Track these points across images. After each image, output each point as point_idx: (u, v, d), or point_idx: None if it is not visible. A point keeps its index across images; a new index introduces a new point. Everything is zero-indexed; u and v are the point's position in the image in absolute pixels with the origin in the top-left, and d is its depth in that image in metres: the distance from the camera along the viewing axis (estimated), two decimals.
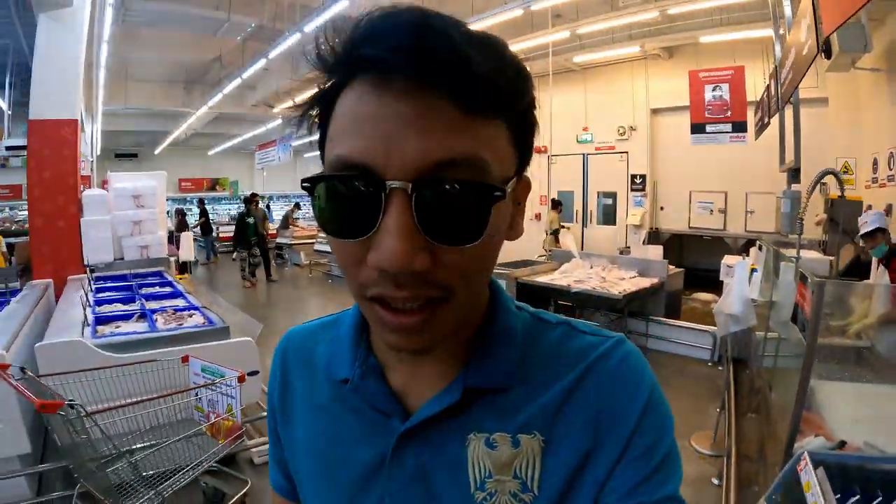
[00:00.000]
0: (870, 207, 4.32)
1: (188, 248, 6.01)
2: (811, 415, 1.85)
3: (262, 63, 7.83)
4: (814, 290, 1.87)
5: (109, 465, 1.90)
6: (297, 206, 14.94)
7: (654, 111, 9.43)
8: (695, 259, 7.51)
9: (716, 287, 6.31)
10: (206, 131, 16.40)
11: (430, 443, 0.47)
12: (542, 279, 5.56)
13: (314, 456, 0.54)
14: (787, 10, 4.79)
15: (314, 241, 11.12)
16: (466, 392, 0.46)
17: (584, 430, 0.45)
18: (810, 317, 1.88)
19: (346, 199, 0.39)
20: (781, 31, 5.31)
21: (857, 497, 1.23)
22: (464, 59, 0.35)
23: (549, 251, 7.46)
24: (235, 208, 18.24)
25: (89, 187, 8.35)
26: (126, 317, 3.25)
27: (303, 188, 0.41)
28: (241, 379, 2.13)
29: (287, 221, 12.60)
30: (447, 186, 0.36)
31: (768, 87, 5.88)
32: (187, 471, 2.06)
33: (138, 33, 7.72)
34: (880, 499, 1.24)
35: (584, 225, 10.63)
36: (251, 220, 8.78)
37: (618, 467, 0.44)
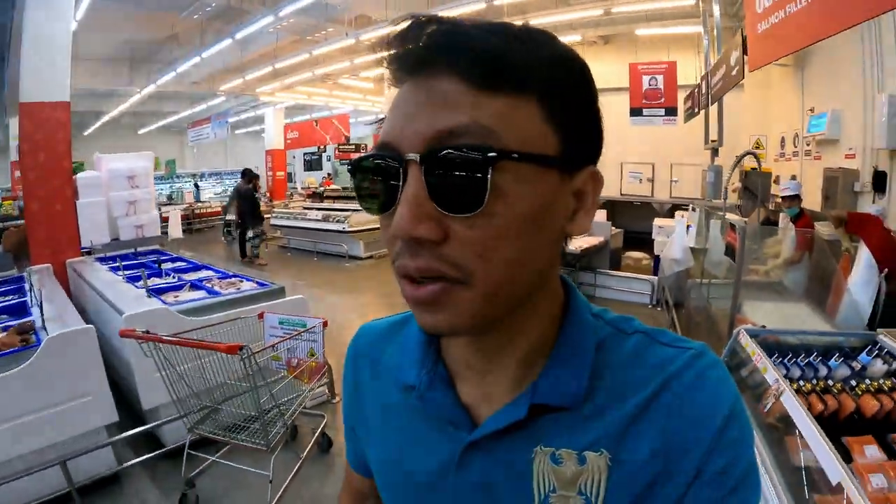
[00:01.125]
0: (794, 177, 5.32)
1: (176, 225, 6.23)
2: (741, 316, 2.67)
3: (227, 42, 7.95)
4: (740, 231, 2.69)
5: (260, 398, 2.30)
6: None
7: None
8: (626, 222, 8.54)
9: (645, 246, 7.41)
10: (139, 110, 15.86)
11: (495, 455, 0.47)
12: None
13: (383, 462, 0.56)
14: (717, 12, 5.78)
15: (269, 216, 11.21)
16: (533, 408, 0.45)
17: (656, 451, 0.43)
18: (738, 248, 2.71)
19: (375, 175, 0.41)
20: (709, 37, 6.36)
21: (777, 354, 2.01)
22: (464, 39, 0.38)
23: None
24: (178, 187, 17.67)
25: None
26: (176, 287, 3.62)
27: (347, 171, 0.44)
28: (325, 324, 2.65)
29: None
30: (447, 152, 0.37)
31: (699, 86, 6.87)
32: (295, 408, 2.55)
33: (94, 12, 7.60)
34: (790, 355, 2.03)
35: None
36: (258, 196, 8.74)
37: (691, 489, 0.42)
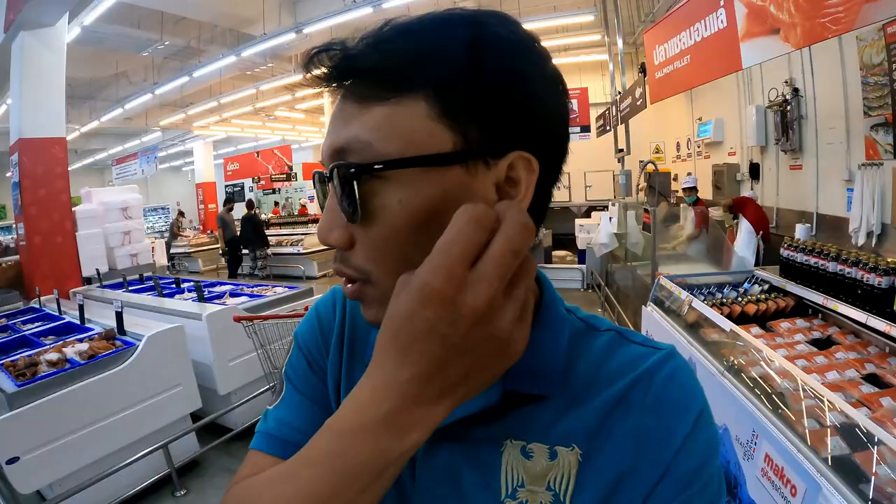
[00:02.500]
0: (689, 174, 6.70)
1: (161, 254, 6.65)
2: (659, 272, 3.78)
3: (183, 80, 8.39)
4: (653, 213, 3.85)
5: None
6: (182, 213, 14.84)
7: None
8: (549, 226, 9.83)
9: (567, 246, 8.73)
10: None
11: (463, 444, 0.46)
12: None
13: None
14: (620, 44, 7.18)
15: (208, 247, 11.48)
16: (505, 395, 0.45)
17: (626, 448, 0.43)
18: (652, 224, 3.88)
19: (321, 188, 0.45)
20: (613, 63, 7.76)
21: (685, 290, 3.08)
22: (348, 62, 0.40)
23: None
24: None
25: None
26: (218, 297, 4.24)
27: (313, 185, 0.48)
28: None
29: (174, 230, 12.67)
30: (332, 169, 0.40)
31: (608, 110, 8.34)
32: None
33: None
34: (695, 290, 3.11)
35: None
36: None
37: (657, 489, 0.42)
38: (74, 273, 5.47)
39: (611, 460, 0.43)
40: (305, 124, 16.66)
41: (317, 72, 0.42)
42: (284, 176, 14.98)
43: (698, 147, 8.61)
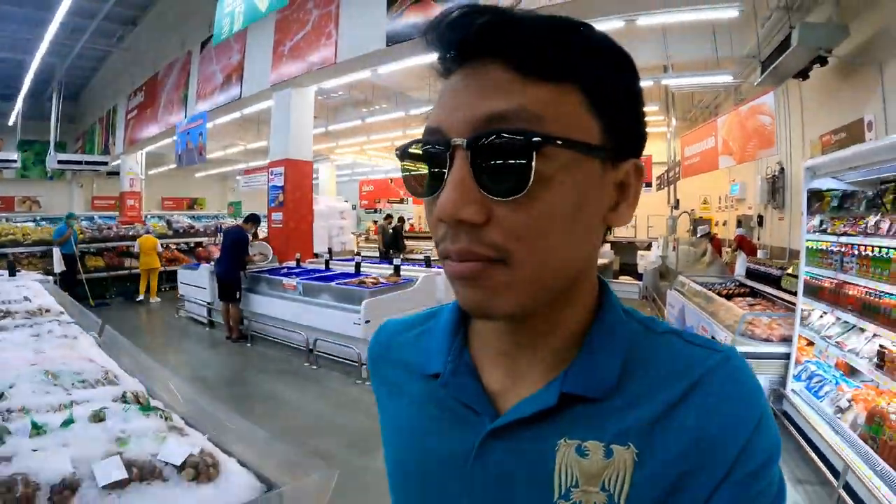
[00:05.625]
0: (707, 222, 9.45)
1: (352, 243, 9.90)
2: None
3: (356, 122, 11.78)
4: (676, 241, 6.73)
5: None
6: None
7: None
8: (618, 254, 12.51)
9: (629, 273, 11.48)
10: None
11: (517, 445, 0.45)
12: None
13: (399, 449, 0.55)
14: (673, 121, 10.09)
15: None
16: (562, 397, 0.44)
17: (685, 449, 0.41)
18: (676, 250, 6.76)
19: (423, 160, 0.42)
20: (671, 133, 10.63)
21: (691, 283, 5.94)
22: (513, 29, 0.40)
23: None
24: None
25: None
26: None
27: (396, 156, 0.45)
28: None
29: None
30: (493, 136, 0.38)
31: (667, 171, 11.16)
32: None
33: None
34: (697, 284, 5.98)
35: None
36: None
37: (718, 491, 0.40)
38: (309, 249, 8.63)
39: (669, 461, 0.41)
40: None
41: (464, 32, 0.41)
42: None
43: (730, 202, 11.27)
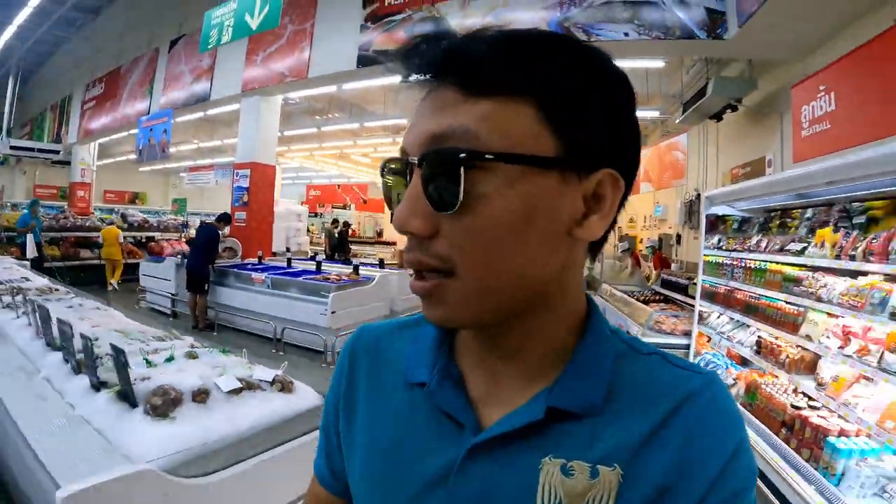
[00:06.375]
0: (624, 241, 10.61)
1: (305, 244, 10.38)
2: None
3: (311, 130, 12.31)
4: (609, 258, 7.78)
5: None
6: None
7: None
8: None
9: None
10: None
11: (500, 460, 0.45)
12: None
13: (373, 460, 0.53)
14: None
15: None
16: (549, 412, 0.44)
17: (666, 471, 0.42)
18: (601, 262, 7.82)
19: (394, 176, 0.46)
20: None
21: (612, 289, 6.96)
22: (460, 51, 0.41)
23: None
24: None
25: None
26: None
27: (380, 172, 0.49)
28: None
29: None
30: (432, 154, 0.40)
31: None
32: None
33: None
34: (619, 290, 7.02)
35: None
36: None
37: None
38: (268, 248, 9.11)
39: (651, 483, 0.42)
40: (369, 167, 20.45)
41: (421, 59, 0.43)
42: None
43: (654, 222, 12.65)
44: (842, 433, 2.31)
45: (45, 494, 1.12)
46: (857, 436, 2.28)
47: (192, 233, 9.19)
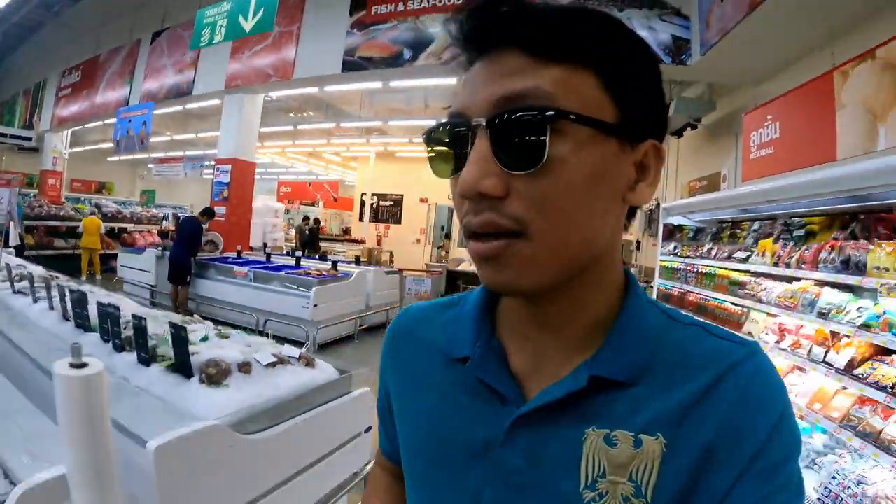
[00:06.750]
0: None
1: (280, 239, 10.49)
2: None
3: (287, 128, 12.40)
4: None
5: None
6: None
7: None
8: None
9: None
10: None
11: (544, 431, 0.45)
12: (462, 268, 11.23)
13: (420, 434, 0.55)
14: None
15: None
16: (591, 381, 0.44)
17: (710, 440, 0.42)
18: None
19: (448, 142, 0.45)
20: None
21: None
22: (526, 16, 0.42)
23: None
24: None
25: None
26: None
27: (422, 139, 0.48)
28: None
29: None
30: (510, 113, 0.40)
31: None
32: None
33: None
34: None
35: None
36: None
37: (738, 483, 0.41)
38: (246, 243, 9.21)
39: (695, 451, 0.42)
40: (339, 165, 20.44)
41: (483, 21, 0.43)
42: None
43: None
44: None
45: (124, 452, 1.28)
46: None
47: (168, 224, 9.25)
